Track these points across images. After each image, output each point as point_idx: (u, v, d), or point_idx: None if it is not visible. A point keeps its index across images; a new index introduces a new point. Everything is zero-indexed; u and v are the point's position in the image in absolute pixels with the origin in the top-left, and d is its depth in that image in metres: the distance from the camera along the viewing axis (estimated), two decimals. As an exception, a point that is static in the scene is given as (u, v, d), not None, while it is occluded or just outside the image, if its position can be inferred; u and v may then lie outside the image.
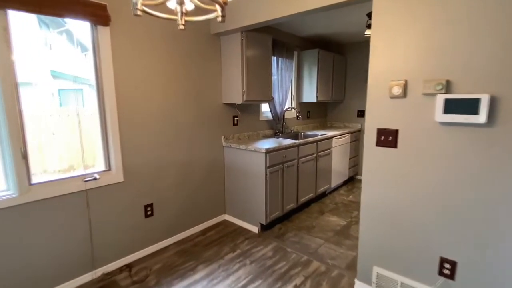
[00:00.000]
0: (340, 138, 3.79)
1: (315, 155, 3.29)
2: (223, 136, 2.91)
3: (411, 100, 1.56)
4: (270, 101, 3.02)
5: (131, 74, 2.12)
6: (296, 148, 2.95)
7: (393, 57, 1.59)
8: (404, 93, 1.57)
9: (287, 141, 2.93)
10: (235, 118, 3.04)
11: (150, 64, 2.23)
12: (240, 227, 2.83)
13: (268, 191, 2.64)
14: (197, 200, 2.74)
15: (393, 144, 1.64)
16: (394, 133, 1.63)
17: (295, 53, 3.88)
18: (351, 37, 3.97)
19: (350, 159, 4.15)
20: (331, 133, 3.66)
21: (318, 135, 3.55)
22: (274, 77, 3.39)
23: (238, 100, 2.72)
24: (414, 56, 1.52)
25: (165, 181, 2.44)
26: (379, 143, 1.70)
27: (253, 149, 2.62)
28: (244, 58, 2.63)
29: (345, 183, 4.26)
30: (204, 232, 2.74)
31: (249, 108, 3.22)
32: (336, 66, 4.19)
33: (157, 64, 2.28)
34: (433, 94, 1.48)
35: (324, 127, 4.55)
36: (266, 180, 2.60)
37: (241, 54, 2.62)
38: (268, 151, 2.57)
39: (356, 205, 3.40)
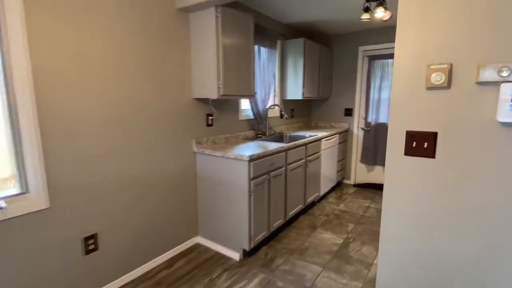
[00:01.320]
0: (328, 139, 3.37)
1: (304, 160, 2.83)
2: (194, 140, 2.33)
3: (458, 92, 1.11)
4: (252, 96, 2.49)
5: (59, 57, 1.48)
6: (284, 153, 2.46)
7: (431, 32, 1.14)
8: (448, 82, 1.12)
9: (273, 145, 2.42)
10: (210, 117, 2.47)
11: (89, 44, 1.60)
12: (217, 254, 2.27)
13: (253, 209, 2.12)
14: (160, 222, 2.14)
15: (430, 153, 1.19)
16: (432, 137, 1.18)
17: (279, 42, 3.39)
18: (340, 26, 3.55)
19: (338, 162, 3.75)
20: (319, 134, 3.22)
21: (306, 137, 3.09)
22: (256, 69, 2.87)
23: (212, 94, 2.16)
24: (463, 29, 1.08)
25: (114, 203, 1.82)
26: (409, 151, 1.24)
27: (232, 157, 2.08)
28: (220, 42, 2.08)
29: (333, 189, 3.85)
30: (171, 262, 2.15)
31: (227, 105, 2.67)
32: (323, 59, 3.76)
33: (99, 45, 1.65)
34: (495, 83, 1.04)
35: (309, 127, 4.12)
36: (249, 195, 2.08)
37: (216, 37, 2.06)
38: (252, 159, 2.05)
39: (349, 215, 2.99)
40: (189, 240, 2.40)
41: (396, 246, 1.33)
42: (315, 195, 3.19)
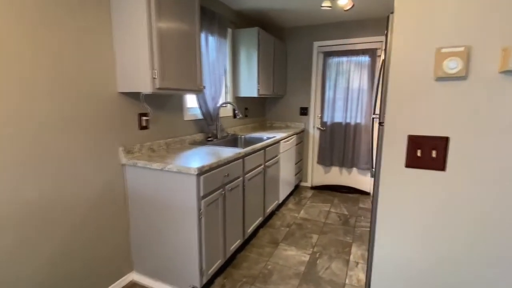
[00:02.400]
0: (287, 141, 3.07)
1: (262, 166, 2.46)
2: (121, 148, 1.76)
3: (477, 83, 0.85)
4: (200, 92, 2.02)
5: None
6: (241, 160, 2.05)
7: (441, 6, 0.85)
8: (466, 71, 0.85)
9: (227, 151, 1.99)
10: (144, 118, 1.92)
11: None
12: (159, 295, 1.75)
13: (204, 235, 1.66)
14: (78, 260, 1.53)
15: (439, 164, 0.92)
16: (442, 144, 0.91)
17: (229, 30, 2.96)
18: (295, 17, 3.29)
19: (295, 164, 3.50)
20: (278, 135, 2.89)
21: (264, 139, 2.73)
22: (203, 61, 2.40)
23: (145, 87, 1.62)
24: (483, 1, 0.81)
25: (2, 241, 1.18)
26: (412, 162, 0.95)
27: (176, 170, 1.59)
28: (154, 24, 1.56)
29: (291, 193, 3.60)
30: (91, 318, 1.56)
31: (168, 102, 2.14)
32: (277, 54, 3.46)
33: None
34: (528, 73, 0.79)
35: (264, 127, 3.79)
36: (199, 219, 1.61)
37: (148, 17, 1.54)
38: (202, 172, 1.59)
39: (312, 224, 2.74)
40: (121, 279, 1.82)
41: (393, 280, 1.04)
42: (274, 204, 2.86)
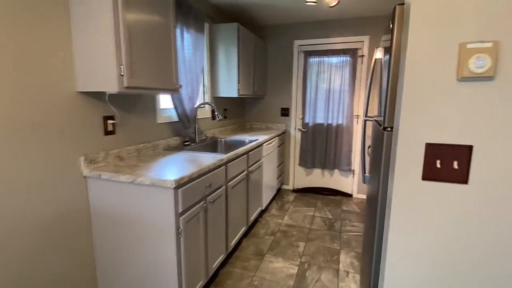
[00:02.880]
0: (269, 144, 2.93)
1: (246, 172, 2.29)
2: (82, 158, 1.49)
3: (506, 84, 0.74)
4: (176, 92, 1.80)
5: None
6: (223, 167, 1.86)
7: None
8: (494, 69, 0.74)
9: (208, 158, 1.79)
10: (109, 122, 1.66)
11: None
12: (131, 328, 1.51)
13: (183, 255, 1.45)
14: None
15: (461, 177, 0.81)
16: (465, 153, 0.80)
17: (207, 25, 2.74)
18: (276, 15, 3.15)
19: (277, 167, 3.37)
20: (260, 138, 2.73)
21: (246, 143, 2.56)
22: (179, 57, 2.17)
23: (111, 86, 1.38)
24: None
25: None
26: (430, 174, 0.83)
27: (148, 182, 1.36)
28: (122, 15, 1.33)
29: (274, 197, 3.46)
30: None
31: (138, 103, 1.89)
32: (258, 52, 3.30)
33: None
34: None
35: (244, 129, 3.61)
36: (178, 238, 1.40)
37: (114, 8, 1.30)
38: (180, 184, 1.38)
39: (297, 231, 2.61)
40: (84, 311, 1.55)
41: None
42: (258, 210, 2.70)
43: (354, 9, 2.90)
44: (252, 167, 2.43)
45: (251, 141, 2.55)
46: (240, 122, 3.71)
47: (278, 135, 3.30)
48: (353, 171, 3.47)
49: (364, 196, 3.47)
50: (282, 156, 3.59)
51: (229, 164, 1.94)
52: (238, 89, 2.82)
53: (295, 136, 3.66)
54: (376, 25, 3.13)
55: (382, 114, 1.17)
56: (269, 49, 3.62)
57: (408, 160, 0.85)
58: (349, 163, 3.43)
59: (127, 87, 1.41)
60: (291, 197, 3.51)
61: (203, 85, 2.80)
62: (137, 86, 1.46)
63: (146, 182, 1.37)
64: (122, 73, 1.38)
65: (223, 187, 1.88)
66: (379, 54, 1.58)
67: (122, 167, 1.56)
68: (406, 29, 0.82)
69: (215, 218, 1.79)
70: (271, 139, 2.98)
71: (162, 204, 1.37)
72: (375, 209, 1.22)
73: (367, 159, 2.06)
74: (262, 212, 3.01)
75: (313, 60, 3.41)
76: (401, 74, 0.85)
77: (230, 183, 1.98)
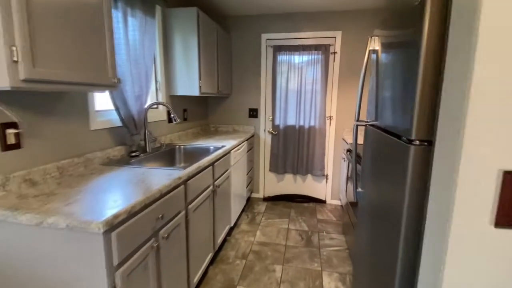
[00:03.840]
0: (237, 150, 2.55)
1: (211, 187, 1.88)
2: (-47, 190, 0.96)
3: None
4: (114, 87, 1.33)
5: None
6: (182, 187, 1.43)
7: None
8: None
9: (160, 176, 1.35)
10: (9, 131, 1.14)
11: None
12: None
13: (124, 324, 1.00)
14: None
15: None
16: None
17: (159, 9, 2.26)
18: (242, 3, 2.77)
19: (246, 175, 3.01)
20: (227, 144, 2.34)
21: (211, 150, 2.16)
22: (121, 45, 1.68)
23: (1, 80, 0.88)
24: None
25: None
26: (509, 217, 0.53)
27: (63, 225, 0.90)
28: None
29: (243, 209, 3.09)
30: None
31: (58, 103, 1.37)
32: (221, 45, 2.89)
33: None
34: None
35: (208, 133, 3.18)
36: (114, 303, 0.96)
37: None
38: (113, 226, 0.93)
39: (272, 250, 2.29)
40: None
41: None
42: (226, 229, 2.31)
43: (326, 1, 2.65)
44: (219, 180, 2.03)
45: (216, 148, 2.15)
46: (203, 124, 3.27)
47: (247, 139, 2.94)
48: (327, 176, 3.26)
49: (337, 202, 3.28)
50: (251, 162, 3.24)
51: (190, 181, 1.52)
52: (200, 86, 2.39)
53: (265, 139, 3.34)
54: (348, 20, 2.93)
55: (402, 121, 0.88)
56: (234, 42, 3.23)
57: (470, 196, 0.55)
58: (322, 168, 3.21)
59: (27, 80, 0.92)
60: (262, 207, 3.18)
61: (156, 81, 2.31)
62: (46, 79, 0.97)
63: (60, 224, 0.90)
64: (15, 59, 0.89)
65: (182, 212, 1.45)
66: (374, 45, 1.30)
67: (30, 198, 1.06)
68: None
69: (171, 257, 1.36)
70: (239, 144, 2.60)
71: (86, 256, 0.92)
72: (394, 235, 0.93)
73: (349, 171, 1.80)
74: (231, 228, 2.63)
75: (283, 56, 3.11)
76: (453, 75, 0.55)
77: (192, 205, 1.57)
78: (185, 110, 2.77)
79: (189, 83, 2.39)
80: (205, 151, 2.24)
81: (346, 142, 2.78)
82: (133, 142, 1.87)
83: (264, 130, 3.32)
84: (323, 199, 3.32)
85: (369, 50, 1.30)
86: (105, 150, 1.66)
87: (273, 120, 3.24)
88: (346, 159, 2.77)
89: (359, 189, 1.42)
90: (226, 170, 2.23)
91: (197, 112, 3.10)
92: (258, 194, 3.45)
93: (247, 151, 3.01)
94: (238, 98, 3.32)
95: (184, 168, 1.52)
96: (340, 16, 2.94)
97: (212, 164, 1.89)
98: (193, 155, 2.27)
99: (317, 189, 3.32)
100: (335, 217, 2.94)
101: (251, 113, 3.31)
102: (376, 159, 1.18)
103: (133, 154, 1.84)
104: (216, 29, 2.72)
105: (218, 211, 2.07)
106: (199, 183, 1.67)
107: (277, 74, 3.14)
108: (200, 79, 2.38)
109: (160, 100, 2.33)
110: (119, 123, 1.78)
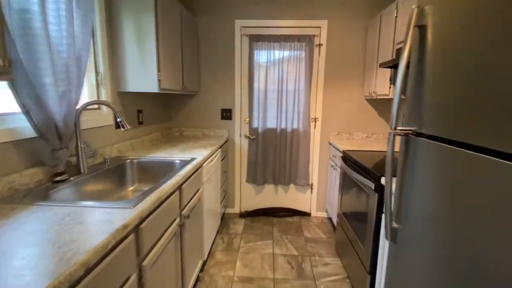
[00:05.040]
0: (211, 161, 2.03)
1: (178, 221, 1.35)
2: None
3: None
4: (6, 77, 0.74)
5: None
6: (132, 237, 0.89)
7: None
8: None
9: (97, 219, 0.80)
10: None
11: None
12: None
13: None
14: None
15: None
16: None
17: (98, -28, 1.64)
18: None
19: (220, 189, 2.50)
20: (198, 155, 1.81)
21: (176, 164, 1.63)
22: (32, 17, 1.06)
23: None
24: None
25: None
26: None
27: None
28: None
29: (218, 231, 2.57)
30: None
31: None
32: (186, 31, 2.34)
33: None
34: None
35: (171, 139, 2.59)
36: None
37: None
38: None
39: (257, 287, 1.82)
40: None
41: None
42: (198, 267, 1.78)
43: (314, -18, 2.25)
44: (188, 206, 1.50)
45: (184, 163, 1.61)
46: (165, 128, 2.68)
47: (220, 146, 2.42)
48: (312, 185, 2.88)
49: (323, 214, 2.92)
50: (225, 173, 2.73)
51: (144, 224, 0.98)
52: (159, 80, 1.82)
53: (241, 145, 2.85)
54: (335, 8, 2.57)
55: None
56: (202, 29, 2.68)
57: None
58: (306, 176, 2.82)
59: None
60: (240, 225, 2.69)
61: (96, 73, 1.69)
62: None
63: None
64: None
65: (133, 276, 0.91)
66: (423, 18, 0.89)
67: None
68: None
69: None
70: (213, 153, 2.08)
71: None
72: None
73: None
74: (204, 262, 2.10)
75: (261, 47, 2.65)
76: None
77: (148, 259, 1.03)
78: (140, 112, 2.16)
79: (144, 76, 1.81)
80: (169, 167, 1.69)
81: (335, 147, 2.41)
82: (57, 160, 1.26)
83: (240, 135, 2.83)
84: (308, 211, 2.94)
85: (414, 27, 0.89)
86: (6, 177, 1.04)
87: (250, 122, 2.77)
88: (337, 166, 2.41)
89: (395, 225, 1.01)
90: (198, 190, 1.71)
91: (157, 114, 2.50)
92: (234, 209, 2.96)
93: (221, 160, 2.49)
94: (208, 96, 2.78)
95: (135, 204, 0.98)
96: (326, 3, 2.57)
97: (179, 187, 1.36)
98: (151, 173, 1.71)
99: (301, 200, 2.93)
100: (324, 233, 2.57)
101: (224, 114, 2.80)
102: (443, 185, 0.78)
103: (58, 178, 1.24)
104: (180, 10, 2.17)
105: (188, 247, 1.54)
106: (160, 222, 1.13)
107: (254, 68, 2.68)
108: (159, 71, 1.82)
109: (103, 98, 1.72)
110: (32, 133, 1.17)
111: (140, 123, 2.18)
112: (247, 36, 2.66)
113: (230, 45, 2.68)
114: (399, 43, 1.99)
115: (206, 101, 2.79)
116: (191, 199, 1.56)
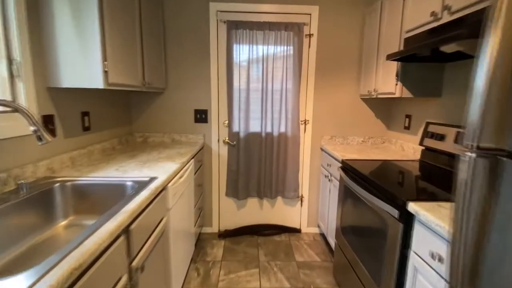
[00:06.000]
0: (181, 176, 1.57)
1: (124, 277, 0.89)
2: None
3: None
4: None
5: None
6: None
7: None
8: None
9: None
10: None
11: None
12: None
13: None
14: None
15: None
16: None
17: None
18: None
19: (195, 207, 2.05)
20: (161, 172, 1.35)
21: (127, 188, 1.17)
22: None
23: None
24: None
25: None
26: None
27: None
28: None
29: (192, 258, 2.10)
30: None
31: None
32: (147, 12, 1.86)
33: None
34: None
35: (130, 147, 2.09)
36: None
37: None
38: None
39: None
40: None
41: None
42: (163, 322, 1.32)
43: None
44: (141, 253, 1.04)
45: (140, 185, 1.14)
46: (125, 134, 2.17)
47: (194, 155, 1.97)
48: (302, 197, 2.51)
49: (315, 230, 2.56)
50: (200, 187, 2.27)
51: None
52: (106, 72, 1.34)
53: (219, 152, 2.41)
54: (328, -7, 2.21)
55: None
56: (169, 13, 2.21)
57: None
58: (296, 187, 2.44)
59: None
60: (219, 249, 2.25)
61: (9, 60, 1.18)
62: None
63: None
64: None
65: None
66: None
67: None
68: None
69: None
70: (183, 167, 1.63)
71: None
72: None
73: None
74: (173, 305, 1.64)
75: (242, 37, 2.23)
76: None
77: None
78: (85, 114, 1.66)
79: (84, 67, 1.31)
80: (117, 192, 1.22)
81: (331, 155, 2.05)
82: None
83: (218, 140, 2.39)
84: (298, 227, 2.56)
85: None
86: None
87: (229, 125, 2.34)
88: (332, 177, 2.05)
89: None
90: (161, 220, 1.25)
91: (112, 116, 2.00)
92: (212, 228, 2.51)
93: (195, 173, 2.04)
94: (178, 94, 2.31)
95: (37, 277, 0.52)
96: (317, -14, 2.20)
97: (125, 229, 0.90)
98: (94, 199, 1.23)
99: (290, 215, 2.55)
100: (318, 254, 2.20)
101: (199, 116, 2.35)
102: None
103: None
104: (138, -16, 1.69)
105: (145, 309, 1.08)
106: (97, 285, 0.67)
107: (233, 61, 2.25)
108: (105, 59, 1.33)
109: (21, 95, 1.21)
110: None
111: (86, 129, 1.67)
112: (224, 22, 2.23)
113: (204, 32, 2.23)
114: (408, 31, 1.66)
115: (176, 100, 2.32)
116: (148, 238, 1.11)
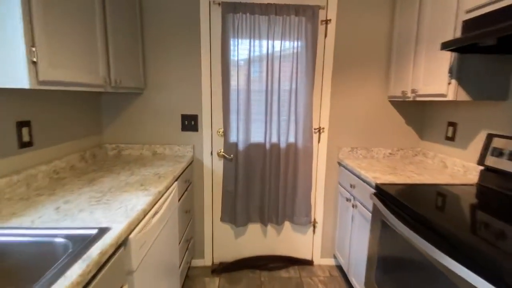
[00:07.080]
0: (156, 213, 1.10)
1: None
2: None
3: None
4: None
5: None
6: None
7: None
8: None
9: None
10: None
11: None
12: None
13: None
14: None
15: None
16: None
17: None
18: None
19: (181, 240, 1.58)
20: (122, 214, 0.88)
21: (58, 246, 0.66)
22: None
23: None
24: None
25: None
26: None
27: None
28: None
29: (175, 308, 1.63)
30: None
31: None
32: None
33: None
34: None
35: (97, 165, 1.61)
36: None
37: None
38: None
39: None
40: None
41: None
42: None
43: None
44: None
45: (76, 243, 0.67)
46: (93, 146, 1.69)
47: (178, 176, 1.50)
48: (315, 222, 2.05)
49: (331, 262, 2.10)
50: (188, 214, 1.80)
51: None
52: (34, 62, 0.87)
53: (213, 168, 1.94)
54: (349, -33, 1.76)
55: None
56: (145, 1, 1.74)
57: None
58: (308, 211, 1.98)
59: None
60: (212, 291, 1.79)
61: None
62: None
63: None
64: None
65: None
66: None
67: None
68: None
69: None
70: (159, 199, 1.15)
71: None
72: None
73: None
74: None
75: (241, 23, 1.76)
76: None
77: None
78: (23, 125, 1.18)
79: (-4, 54, 0.84)
80: (37, 258, 0.75)
81: (353, 173, 1.59)
82: None
83: (211, 153, 1.92)
84: (309, 258, 2.10)
85: None
86: None
87: (226, 134, 1.87)
88: (356, 201, 1.59)
89: None
90: (113, 302, 0.78)
91: (71, 125, 1.52)
92: (204, 261, 2.04)
93: (181, 197, 1.57)
94: (161, 96, 1.84)
95: None
96: (336, -41, 1.74)
97: None
98: (10, 264, 0.75)
99: (300, 244, 2.08)
100: (338, 298, 1.74)
101: (187, 122, 1.88)
102: None
103: None
104: None
105: None
106: None
107: (230, 54, 1.78)
108: (32, 44, 0.86)
109: None
110: None
111: (25, 144, 1.19)
112: (218, 4, 1.76)
113: (193, 17, 1.77)
114: (470, 11, 1.21)
115: (158, 103, 1.85)
116: None
